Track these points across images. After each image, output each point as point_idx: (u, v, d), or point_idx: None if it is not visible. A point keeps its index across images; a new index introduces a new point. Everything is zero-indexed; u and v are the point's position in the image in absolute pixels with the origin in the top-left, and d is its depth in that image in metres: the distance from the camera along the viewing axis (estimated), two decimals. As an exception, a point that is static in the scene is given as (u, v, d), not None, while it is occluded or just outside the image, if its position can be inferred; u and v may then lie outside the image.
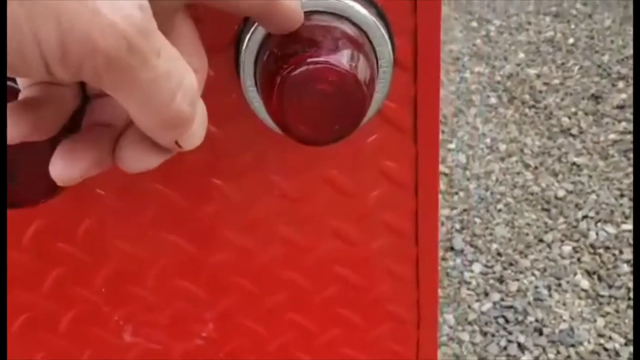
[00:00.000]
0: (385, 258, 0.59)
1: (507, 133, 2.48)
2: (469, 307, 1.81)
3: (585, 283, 1.83)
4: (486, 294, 1.84)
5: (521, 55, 2.99)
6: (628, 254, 1.90)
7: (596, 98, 2.61)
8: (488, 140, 2.44)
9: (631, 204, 2.08)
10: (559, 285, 1.84)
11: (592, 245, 1.94)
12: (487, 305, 1.81)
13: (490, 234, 2.04)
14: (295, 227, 0.57)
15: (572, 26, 3.19)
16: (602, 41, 3.01)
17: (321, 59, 0.41)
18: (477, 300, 1.83)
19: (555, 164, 2.29)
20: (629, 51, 2.89)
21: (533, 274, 1.88)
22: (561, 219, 2.05)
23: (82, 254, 0.57)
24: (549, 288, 1.83)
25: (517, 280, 1.86)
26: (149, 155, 0.37)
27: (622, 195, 2.11)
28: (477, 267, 1.93)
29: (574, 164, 2.27)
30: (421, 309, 0.63)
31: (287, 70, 0.41)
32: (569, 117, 2.52)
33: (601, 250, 1.92)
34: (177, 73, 0.33)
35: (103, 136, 0.37)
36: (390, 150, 0.53)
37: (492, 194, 2.20)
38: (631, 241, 1.93)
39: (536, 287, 1.84)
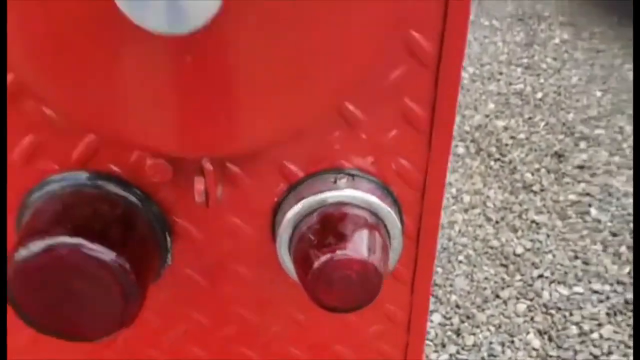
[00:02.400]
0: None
1: (472, 184, 2.59)
2: (427, 357, 1.92)
3: (536, 342, 1.95)
4: (443, 346, 1.95)
5: (491, 105, 3.12)
6: (577, 317, 2.02)
7: (559, 156, 2.75)
8: (454, 190, 2.56)
9: (583, 266, 2.21)
10: (512, 342, 1.95)
11: (545, 305, 2.07)
12: (443, 357, 1.91)
13: (451, 285, 2.15)
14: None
15: (542, 80, 3.33)
16: (569, 98, 3.16)
17: (348, 252, 0.50)
18: (435, 351, 1.93)
19: (516, 220, 2.41)
20: (593, 112, 3.03)
21: (488, 329, 1.99)
22: (518, 276, 2.17)
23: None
24: (502, 344, 1.95)
25: (473, 334, 1.97)
26: None
27: (576, 257, 2.24)
28: (436, 318, 2.04)
29: (533, 221, 2.40)
30: (413, 311, 0.65)
31: (321, 261, 0.50)
32: (532, 174, 2.65)
33: (553, 311, 2.04)
34: None
35: None
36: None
37: (454, 244, 2.31)
38: (581, 304, 2.06)
39: (490, 343, 1.95)
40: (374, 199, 0.53)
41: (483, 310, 2.06)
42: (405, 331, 0.66)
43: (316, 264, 0.50)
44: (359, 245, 0.51)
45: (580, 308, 2.05)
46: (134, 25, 0.36)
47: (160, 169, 0.51)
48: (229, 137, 0.46)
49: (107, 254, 0.49)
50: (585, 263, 2.22)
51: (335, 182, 0.54)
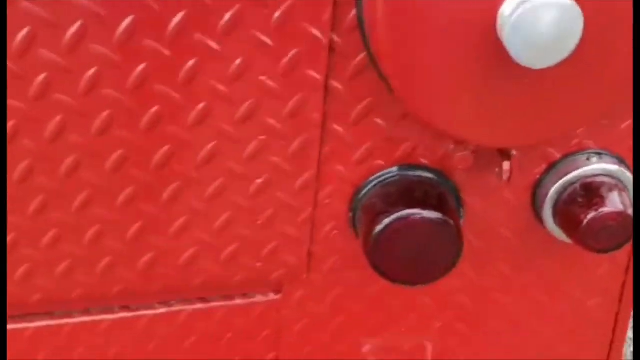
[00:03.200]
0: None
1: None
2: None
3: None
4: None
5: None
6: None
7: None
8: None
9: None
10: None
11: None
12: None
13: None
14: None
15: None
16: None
17: (610, 208, 0.70)
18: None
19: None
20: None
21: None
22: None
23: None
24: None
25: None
26: None
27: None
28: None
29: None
30: (626, 286, 0.85)
31: (590, 217, 0.70)
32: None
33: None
34: None
35: None
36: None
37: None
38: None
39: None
40: (619, 169, 0.73)
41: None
42: (617, 303, 0.85)
43: (587, 220, 0.70)
44: (616, 203, 0.70)
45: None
46: (510, 61, 0.56)
47: (466, 159, 0.71)
48: (533, 134, 0.66)
49: (438, 216, 0.70)
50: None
51: (588, 159, 0.73)
